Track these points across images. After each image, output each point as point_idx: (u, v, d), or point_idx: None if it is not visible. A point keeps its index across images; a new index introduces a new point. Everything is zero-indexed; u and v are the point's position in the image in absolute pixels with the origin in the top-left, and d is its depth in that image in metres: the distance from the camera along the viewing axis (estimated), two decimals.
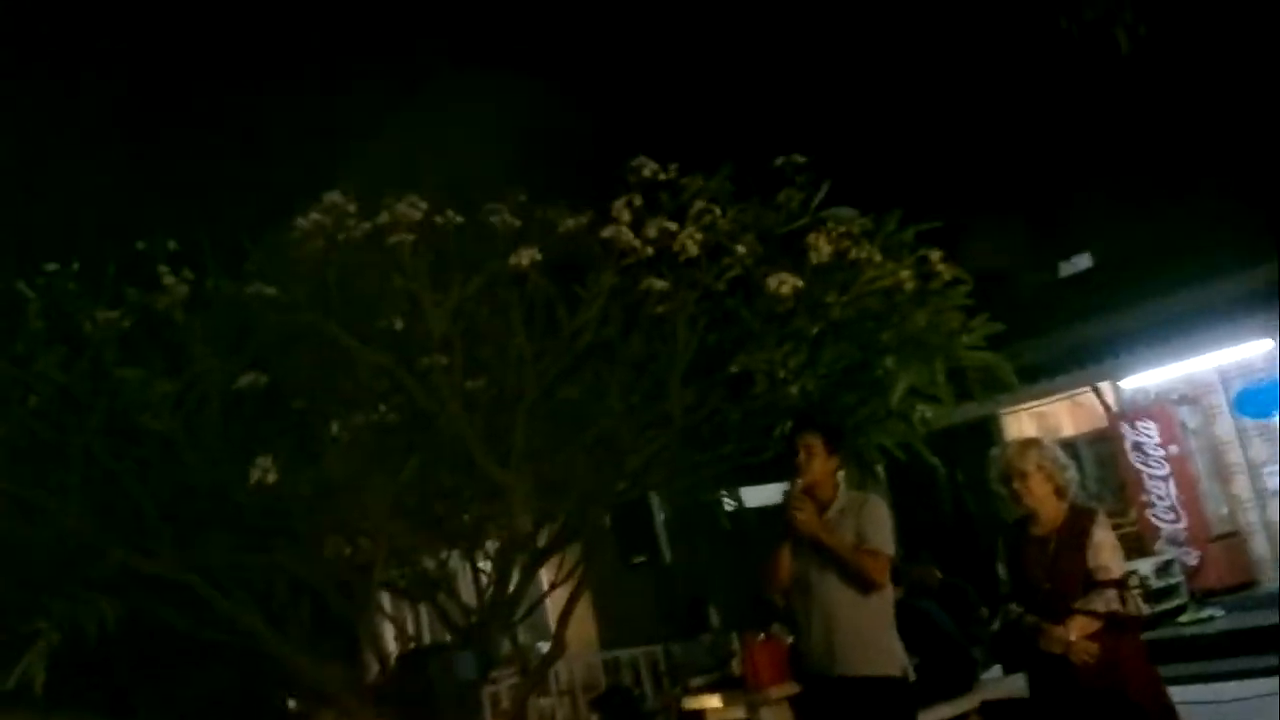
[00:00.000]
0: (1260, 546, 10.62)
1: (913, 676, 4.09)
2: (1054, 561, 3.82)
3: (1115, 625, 3.71)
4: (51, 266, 3.70)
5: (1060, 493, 3.89)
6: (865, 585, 3.92)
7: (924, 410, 5.03)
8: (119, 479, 3.81)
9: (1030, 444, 4.03)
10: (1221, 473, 10.83)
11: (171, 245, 3.79)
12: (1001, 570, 4.02)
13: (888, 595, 4.06)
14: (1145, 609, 3.83)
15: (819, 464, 4.09)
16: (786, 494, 4.03)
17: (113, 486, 3.85)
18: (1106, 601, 3.70)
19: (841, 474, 4.19)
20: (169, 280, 3.68)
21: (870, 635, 3.96)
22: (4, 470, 3.70)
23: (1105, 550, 3.75)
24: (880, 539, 3.97)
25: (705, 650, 7.71)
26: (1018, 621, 3.84)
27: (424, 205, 3.69)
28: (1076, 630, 3.69)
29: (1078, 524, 3.84)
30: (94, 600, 4.02)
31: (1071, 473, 3.93)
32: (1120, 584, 3.70)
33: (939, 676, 5.03)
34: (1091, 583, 3.74)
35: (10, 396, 3.68)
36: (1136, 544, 10.19)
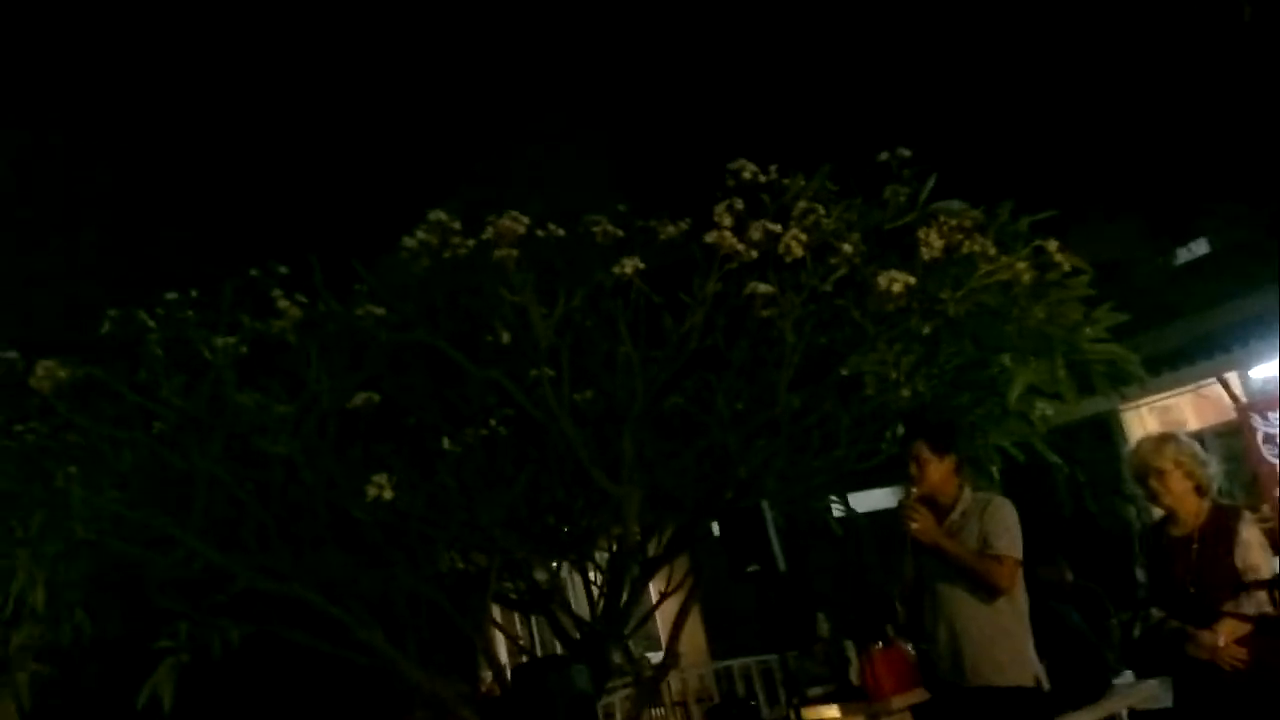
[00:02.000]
0: None
1: (1047, 685, 3.92)
2: (1198, 563, 3.63)
3: (1267, 628, 3.51)
4: (171, 295, 3.80)
5: (1200, 490, 3.70)
6: (991, 592, 3.79)
7: (1044, 408, 4.85)
8: (241, 502, 3.89)
9: (1166, 439, 3.84)
10: None
11: (283, 270, 3.87)
12: (1140, 574, 3.84)
13: (1018, 600, 3.91)
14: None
15: (931, 470, 3.98)
16: (901, 503, 3.93)
17: (235, 509, 3.93)
18: (1257, 604, 3.50)
19: (962, 475, 4.06)
20: (283, 304, 3.75)
21: (1000, 643, 3.82)
22: (133, 497, 3.81)
23: (1254, 549, 3.56)
24: (1005, 542, 3.83)
25: (819, 659, 7.57)
26: (1160, 626, 3.66)
27: (526, 220, 3.69)
28: (1225, 635, 3.50)
29: (1222, 523, 3.64)
30: (218, 621, 4.12)
31: (1212, 469, 3.74)
32: (1272, 584, 3.50)
33: (1073, 682, 4.83)
34: (1240, 584, 3.54)
35: (135, 424, 3.78)
36: (1272, 542, 9.71)
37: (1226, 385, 10.75)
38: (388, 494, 3.65)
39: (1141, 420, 12.09)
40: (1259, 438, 10.11)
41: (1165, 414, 12.08)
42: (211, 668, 4.54)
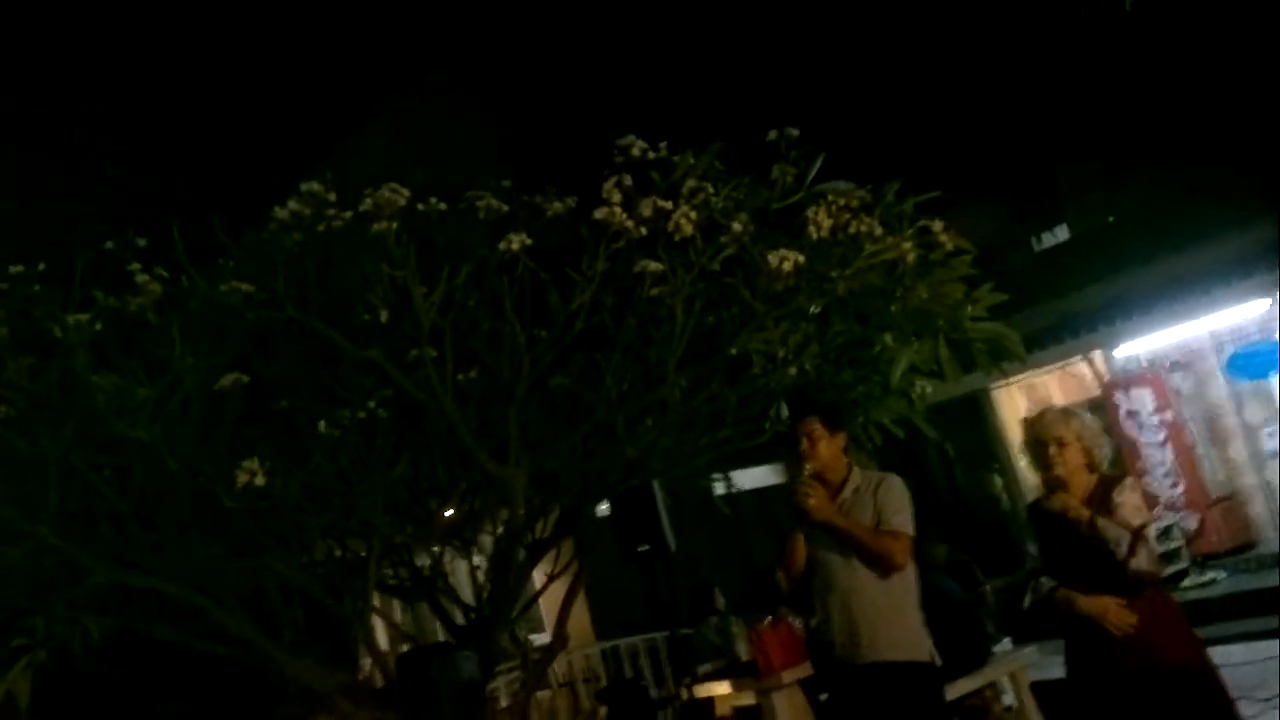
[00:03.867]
0: (1259, 508, 10.62)
1: (939, 661, 3.98)
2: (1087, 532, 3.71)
3: (1138, 585, 3.62)
4: (15, 269, 3.52)
5: (1092, 466, 3.80)
6: (886, 568, 3.82)
7: (924, 385, 4.93)
8: (98, 490, 3.65)
9: (1070, 413, 3.95)
10: (1217, 437, 10.82)
11: (141, 243, 3.62)
12: (1031, 546, 3.93)
13: (910, 577, 3.96)
14: (1148, 565, 3.72)
15: (823, 447, 3.98)
16: (795, 480, 3.93)
17: (92, 498, 3.69)
18: (1146, 561, 3.62)
19: (849, 453, 4.08)
20: (141, 279, 3.51)
21: (895, 619, 3.86)
22: None
23: (1126, 509, 3.66)
24: (901, 519, 3.87)
25: (713, 633, 7.61)
26: (1051, 595, 3.74)
27: (406, 192, 3.53)
28: (1111, 598, 3.61)
29: (1105, 491, 3.74)
30: (77, 617, 3.88)
31: (1106, 448, 3.85)
32: (1135, 532, 3.60)
33: (956, 652, 4.94)
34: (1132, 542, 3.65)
35: None
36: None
37: (1092, 363, 11.21)
38: (259, 480, 3.46)
39: (1011, 398, 12.52)
40: (1121, 414, 10.57)
41: (1033, 392, 12.53)
42: (73, 665, 4.29)
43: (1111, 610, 3.58)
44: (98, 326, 3.42)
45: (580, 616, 12.08)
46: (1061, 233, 13.61)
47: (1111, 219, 12.79)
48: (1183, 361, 10.85)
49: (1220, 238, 10.14)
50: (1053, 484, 3.81)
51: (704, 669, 7.12)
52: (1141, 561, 3.60)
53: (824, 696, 4.09)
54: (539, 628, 11.37)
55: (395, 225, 3.45)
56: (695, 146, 4.22)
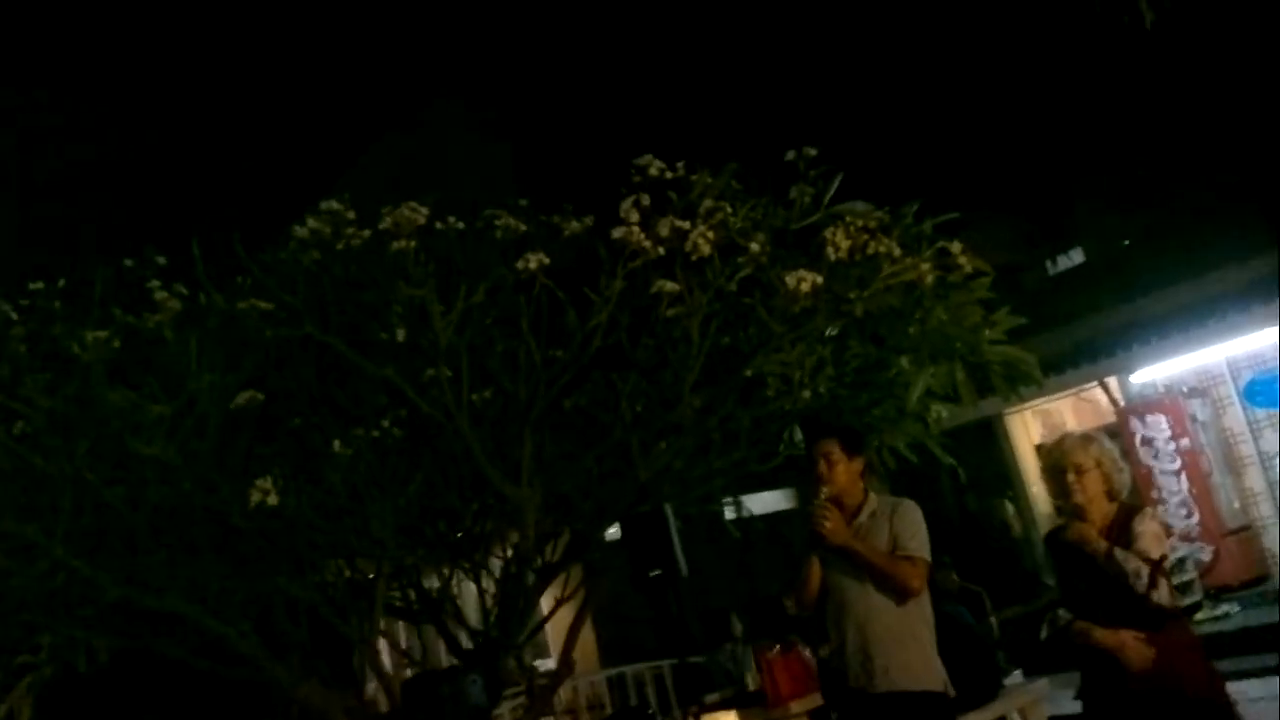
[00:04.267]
0: (1274, 540, 10.51)
1: (953, 691, 3.92)
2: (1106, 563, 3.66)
3: (1158, 618, 3.56)
4: (36, 285, 3.52)
5: (1112, 494, 3.74)
6: (902, 593, 3.77)
7: (940, 410, 4.88)
8: (111, 507, 3.63)
9: (1091, 439, 3.88)
10: (1233, 466, 10.71)
11: (161, 260, 3.62)
12: (1049, 577, 3.87)
13: (925, 604, 3.90)
14: (1168, 599, 3.66)
15: (841, 470, 3.94)
16: (812, 504, 3.88)
17: (105, 515, 3.67)
18: (1163, 597, 3.55)
19: (866, 479, 4.04)
20: (160, 295, 3.50)
21: (911, 647, 3.80)
22: None
23: (1147, 537, 3.60)
24: (916, 544, 3.82)
25: (729, 660, 7.54)
26: (1068, 628, 3.68)
27: (425, 211, 3.53)
28: (1129, 631, 3.54)
29: (1125, 521, 3.69)
30: (84, 634, 3.86)
31: (1126, 476, 3.79)
32: (1155, 564, 3.54)
33: (968, 684, 4.87)
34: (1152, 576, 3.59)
35: None
36: None
37: (1107, 389, 11.12)
38: (272, 499, 3.44)
39: (1024, 423, 12.44)
40: (1136, 441, 10.48)
41: (1047, 418, 12.45)
42: (81, 683, 4.26)
43: (1130, 644, 3.52)
44: (115, 344, 3.41)
45: (586, 642, 11.98)
46: (1076, 256, 13.57)
47: (1127, 243, 12.75)
48: (1199, 388, 10.77)
49: (1237, 263, 10.09)
50: (1071, 512, 3.75)
51: (711, 698, 7.05)
52: (1162, 594, 3.54)
53: None
54: (544, 653, 11.27)
55: (414, 244, 3.44)
56: (712, 166, 4.22)
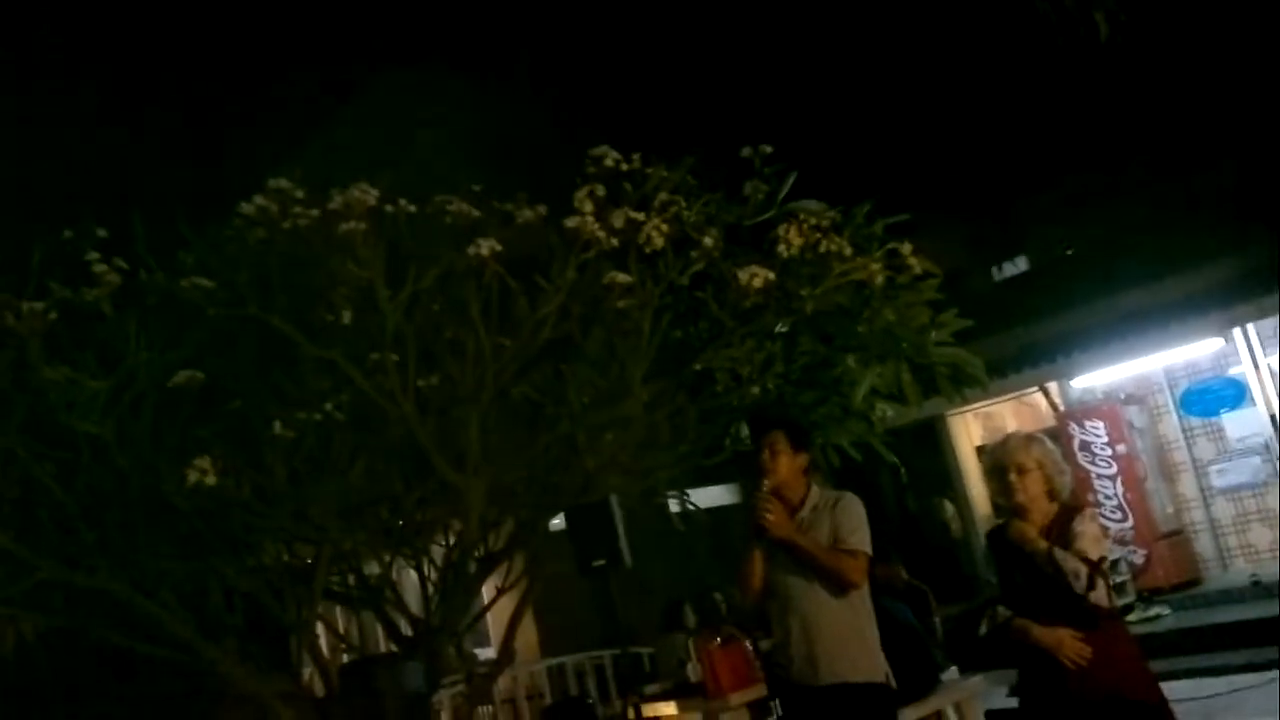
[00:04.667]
0: (1205, 545, 10.75)
1: (894, 683, 3.96)
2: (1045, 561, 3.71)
3: (1095, 618, 3.62)
4: None
5: (1053, 495, 3.79)
6: (842, 586, 3.79)
7: (884, 409, 4.93)
8: (43, 485, 3.54)
9: (1034, 439, 3.91)
10: (1167, 472, 10.95)
11: (102, 233, 3.53)
12: (989, 574, 3.91)
13: (867, 597, 3.93)
14: (1105, 600, 3.72)
15: (785, 463, 3.95)
16: (754, 496, 3.88)
17: (37, 492, 3.58)
18: (1099, 597, 3.60)
19: (809, 474, 4.06)
20: (99, 269, 3.41)
21: (854, 640, 3.82)
22: None
23: (1086, 538, 3.64)
24: (857, 538, 3.83)
25: (682, 650, 7.53)
26: (1007, 625, 3.72)
27: (376, 192, 3.48)
28: (1067, 630, 3.60)
29: (1065, 520, 3.73)
30: (10, 612, 3.76)
31: (1068, 477, 3.83)
32: (1093, 565, 3.60)
33: (908, 678, 4.93)
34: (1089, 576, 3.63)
35: None
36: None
37: (1048, 394, 11.30)
38: (210, 480, 3.38)
39: (965, 425, 12.61)
40: (1075, 444, 10.66)
41: (988, 420, 12.63)
42: (7, 669, 4.15)
43: (1067, 643, 3.58)
44: (52, 316, 3.32)
45: (527, 632, 11.93)
46: (1022, 263, 13.78)
47: (1070, 251, 12.96)
48: (1137, 395, 10.99)
49: (1178, 275, 10.30)
50: (1012, 511, 3.80)
51: (651, 689, 7.05)
52: (1100, 595, 3.60)
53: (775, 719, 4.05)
54: (485, 641, 11.23)
55: (364, 226, 3.39)
56: (669, 160, 4.21)
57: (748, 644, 5.88)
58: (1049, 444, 3.90)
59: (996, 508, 4.24)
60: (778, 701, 3.98)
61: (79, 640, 4.26)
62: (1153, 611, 9.78)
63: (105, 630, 3.91)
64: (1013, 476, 3.77)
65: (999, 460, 3.83)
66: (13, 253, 3.49)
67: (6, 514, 3.55)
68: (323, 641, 6.72)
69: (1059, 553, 3.57)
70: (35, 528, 3.62)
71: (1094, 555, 3.62)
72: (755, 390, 4.51)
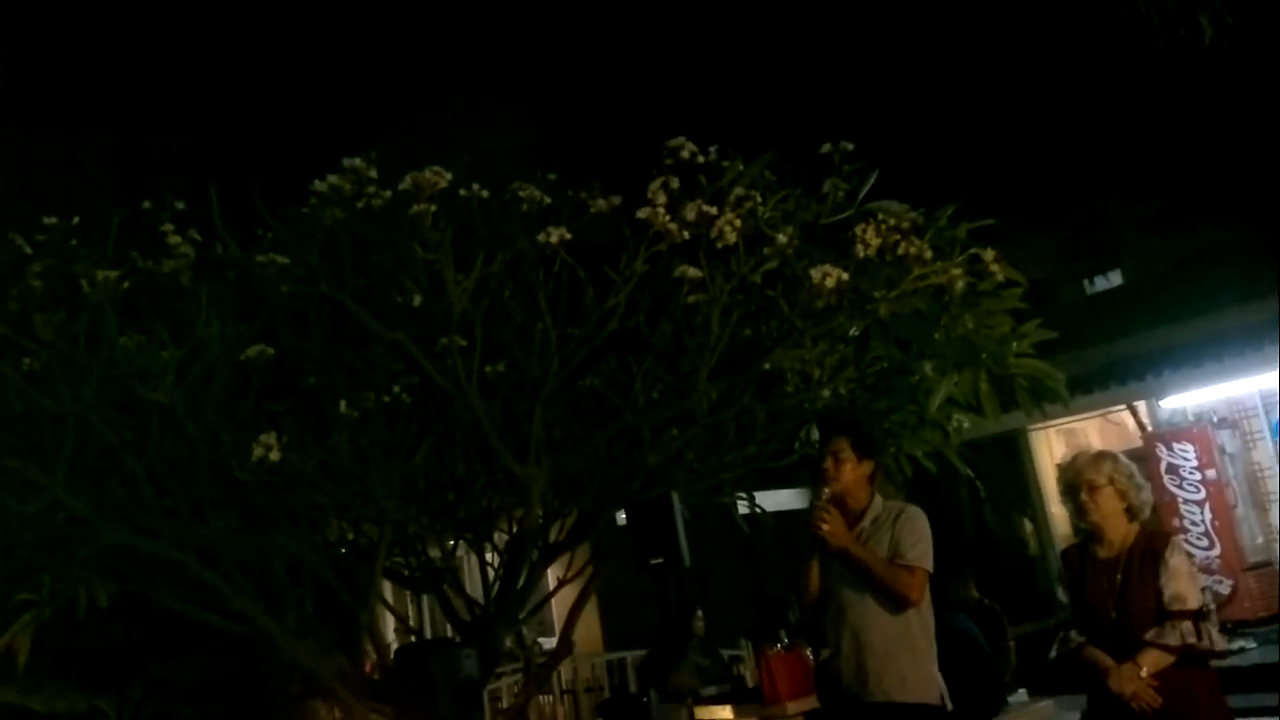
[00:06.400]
0: None
1: (950, 705, 3.83)
2: (1123, 589, 3.54)
3: (1189, 660, 3.43)
4: (51, 220, 3.49)
5: (1131, 513, 3.62)
6: (898, 602, 3.67)
7: (961, 419, 4.78)
8: (114, 451, 3.61)
9: (1104, 455, 3.76)
10: (1259, 500, 10.52)
11: (180, 205, 3.58)
12: (1062, 594, 3.76)
13: (926, 614, 3.80)
14: (1222, 643, 3.53)
15: (848, 470, 3.85)
16: (812, 503, 3.79)
17: (108, 459, 3.65)
18: (1181, 635, 3.41)
19: (874, 483, 3.95)
20: (174, 240, 3.46)
21: (905, 657, 3.70)
22: None
23: (1181, 578, 3.46)
24: (917, 553, 3.71)
25: (699, 655, 7.44)
26: (1078, 652, 3.56)
27: (448, 175, 3.47)
28: (1148, 667, 3.42)
29: (1150, 547, 3.56)
30: (85, 577, 3.84)
31: (1146, 494, 3.67)
32: (1198, 615, 3.41)
33: (971, 699, 4.79)
34: (1165, 613, 3.46)
35: (3, 358, 3.48)
36: None
37: (1135, 413, 10.94)
38: (275, 455, 3.40)
39: (1048, 441, 12.28)
40: (1162, 467, 10.30)
41: (1071, 437, 12.28)
42: (80, 630, 4.24)
43: (1141, 693, 3.40)
44: (126, 285, 3.38)
45: (591, 625, 11.96)
46: (1115, 277, 13.39)
47: (1167, 267, 12.55)
48: (1230, 419, 10.58)
49: (1276, 294, 9.90)
50: (1088, 532, 3.65)
51: (708, 691, 6.98)
52: (1208, 642, 3.39)
53: None
54: (549, 631, 11.28)
55: (433, 208, 3.39)
56: (747, 154, 4.14)
57: (808, 653, 5.78)
58: (1122, 459, 3.73)
59: (1075, 528, 4.08)
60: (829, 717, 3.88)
61: (148, 608, 4.33)
62: (1236, 645, 9.40)
63: (170, 598, 3.97)
64: (1084, 496, 3.62)
65: (1070, 480, 3.70)
66: (92, 220, 3.56)
67: (79, 478, 3.61)
68: (389, 624, 6.79)
69: (1151, 654, 3.39)
70: (106, 494, 3.69)
71: (1194, 605, 3.44)
72: (826, 393, 4.41)
